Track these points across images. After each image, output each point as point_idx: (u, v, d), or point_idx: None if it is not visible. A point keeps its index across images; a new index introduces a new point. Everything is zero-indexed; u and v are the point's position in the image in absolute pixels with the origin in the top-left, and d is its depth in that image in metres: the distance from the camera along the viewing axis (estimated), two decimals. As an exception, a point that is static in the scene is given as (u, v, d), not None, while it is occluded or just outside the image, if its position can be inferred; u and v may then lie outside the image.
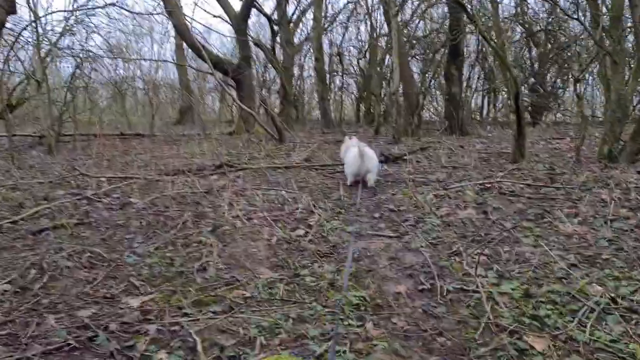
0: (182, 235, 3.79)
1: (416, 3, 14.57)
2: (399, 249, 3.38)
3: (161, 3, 12.27)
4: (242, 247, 3.50)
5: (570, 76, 13.65)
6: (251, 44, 14.31)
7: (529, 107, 12.59)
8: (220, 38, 28.60)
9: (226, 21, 14.16)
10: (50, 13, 11.97)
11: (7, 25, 10.40)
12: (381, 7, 13.80)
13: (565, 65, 13.53)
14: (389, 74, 14.61)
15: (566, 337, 2.13)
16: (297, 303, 2.59)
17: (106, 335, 2.26)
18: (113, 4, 10.78)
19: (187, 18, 13.09)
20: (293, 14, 15.92)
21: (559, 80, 13.98)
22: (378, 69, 14.78)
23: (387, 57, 14.95)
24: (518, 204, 4.35)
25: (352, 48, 17.63)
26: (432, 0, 13.29)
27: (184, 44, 15.76)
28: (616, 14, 6.03)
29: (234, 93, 12.88)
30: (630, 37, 9.63)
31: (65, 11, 11.09)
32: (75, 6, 10.83)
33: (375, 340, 2.17)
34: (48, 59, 11.15)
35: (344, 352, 2.07)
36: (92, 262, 3.27)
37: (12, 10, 6.38)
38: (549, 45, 13.36)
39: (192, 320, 2.40)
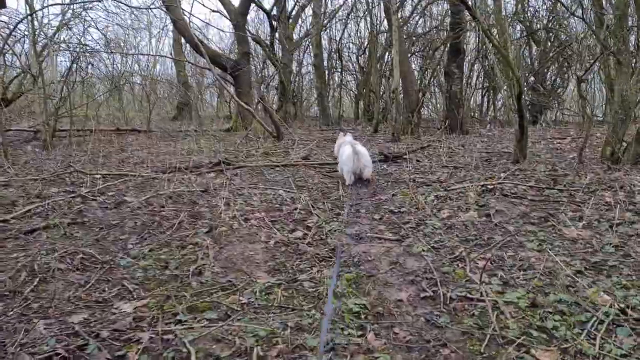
0: (177, 236, 3.71)
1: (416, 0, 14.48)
2: (400, 253, 3.30)
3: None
4: (239, 249, 3.41)
5: (570, 75, 13.57)
6: (250, 39, 14.17)
7: (529, 106, 12.51)
8: (218, 33, 28.39)
9: (225, 16, 14.03)
10: (47, 6, 11.72)
11: (3, 18, 10.29)
12: (381, 3, 13.68)
13: (566, 64, 13.44)
14: (388, 71, 14.50)
15: (575, 351, 2.05)
16: (295, 310, 2.51)
17: (97, 344, 2.17)
18: (110, -2, 10.62)
19: (185, 13, 12.97)
20: (292, 10, 15.79)
21: (558, 79, 13.88)
22: (377, 66, 14.65)
23: (387, 54, 14.83)
24: (521, 206, 4.26)
25: (351, 45, 17.51)
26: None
27: (182, 39, 15.64)
28: (621, 13, 5.94)
29: (232, 89, 12.73)
30: (632, 38, 9.58)
31: (62, 4, 10.92)
32: (72, -1, 10.68)
33: (377, 352, 2.08)
34: (45, 53, 11.02)
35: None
36: (85, 264, 3.18)
37: (1, 4, 6.24)
38: (549, 44, 13.26)
39: (186, 328, 2.31)
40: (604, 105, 13.85)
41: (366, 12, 15.54)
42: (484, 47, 12.80)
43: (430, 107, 16.35)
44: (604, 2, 7.00)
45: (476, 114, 15.06)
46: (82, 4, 10.72)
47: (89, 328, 2.34)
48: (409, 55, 13.23)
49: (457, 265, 3.05)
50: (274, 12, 14.66)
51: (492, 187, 4.86)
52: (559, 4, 12.21)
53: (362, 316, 2.43)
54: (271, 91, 17.30)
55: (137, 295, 2.73)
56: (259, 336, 2.22)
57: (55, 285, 2.83)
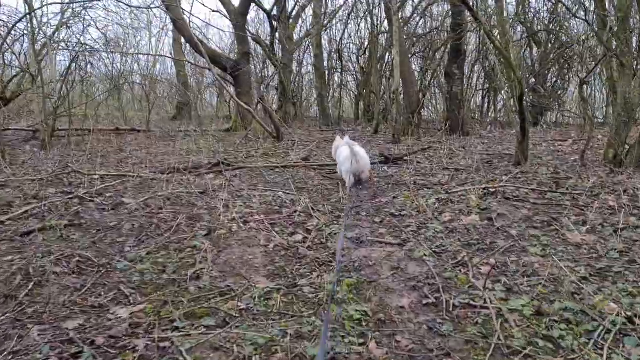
0: (175, 239, 3.65)
1: (417, 0, 14.43)
2: (402, 258, 3.24)
3: (159, -4, 12.08)
4: (238, 253, 3.36)
5: (571, 76, 13.51)
6: (250, 39, 14.11)
7: (530, 108, 12.46)
8: (218, 33, 28.33)
9: (225, 16, 13.97)
10: (46, 5, 11.66)
11: (2, 17, 10.23)
12: (382, 4, 13.62)
13: (567, 65, 13.38)
14: (388, 72, 14.43)
15: (582, 362, 2.00)
16: (295, 317, 2.45)
17: (91, 352, 2.12)
18: (110, -3, 10.56)
19: (185, 12, 12.91)
20: (292, 10, 15.72)
21: (559, 81, 13.83)
22: (378, 66, 14.58)
23: (387, 54, 14.76)
24: (523, 210, 4.21)
25: (351, 45, 17.43)
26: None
27: (182, 39, 15.57)
28: (624, 14, 5.89)
29: (231, 89, 12.67)
30: (634, 40, 9.52)
31: (61, 3, 10.86)
32: (71, -2, 10.61)
33: (379, 362, 2.03)
34: (44, 52, 10.96)
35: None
36: (81, 268, 3.13)
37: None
38: (550, 45, 13.20)
39: (183, 336, 2.26)
40: (604, 107, 13.81)
41: (367, 13, 15.48)
42: (485, 48, 12.75)
43: (430, 108, 16.29)
44: (607, 4, 6.94)
45: (477, 115, 15.00)
46: (82, 3, 10.66)
47: (84, 334, 2.29)
48: (410, 56, 13.17)
49: (460, 270, 3.00)
50: (274, 12, 14.59)
51: (494, 190, 4.81)
52: (560, 5, 12.16)
53: (364, 323, 2.38)
54: (271, 91, 17.22)
55: (133, 300, 2.68)
56: (258, 344, 2.17)
57: (51, 290, 2.78)
